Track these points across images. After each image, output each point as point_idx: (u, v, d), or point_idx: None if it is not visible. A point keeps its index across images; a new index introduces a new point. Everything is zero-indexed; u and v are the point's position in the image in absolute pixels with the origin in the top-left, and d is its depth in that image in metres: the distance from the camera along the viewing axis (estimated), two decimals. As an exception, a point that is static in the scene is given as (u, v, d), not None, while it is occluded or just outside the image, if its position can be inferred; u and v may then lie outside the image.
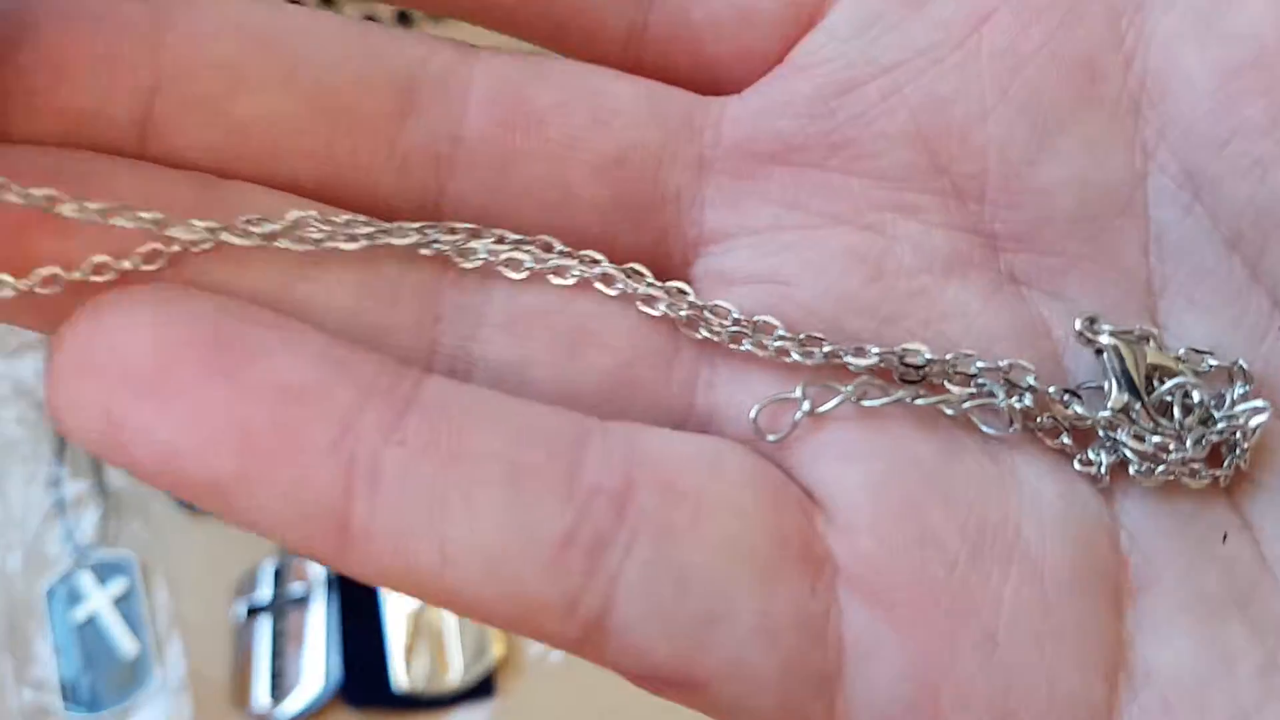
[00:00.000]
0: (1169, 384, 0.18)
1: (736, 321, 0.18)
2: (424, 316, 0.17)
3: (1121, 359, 0.18)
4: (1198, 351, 0.18)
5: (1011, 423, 0.18)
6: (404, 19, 0.51)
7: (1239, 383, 0.18)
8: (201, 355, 0.15)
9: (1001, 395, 0.18)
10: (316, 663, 0.49)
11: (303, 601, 0.50)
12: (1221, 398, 0.18)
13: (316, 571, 0.51)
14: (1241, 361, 0.18)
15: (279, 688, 0.49)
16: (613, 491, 0.15)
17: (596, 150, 0.18)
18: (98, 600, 0.49)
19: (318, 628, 0.50)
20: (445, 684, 0.49)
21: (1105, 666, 0.16)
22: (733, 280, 0.18)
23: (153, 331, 0.15)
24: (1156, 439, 0.18)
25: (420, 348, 0.17)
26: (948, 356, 0.18)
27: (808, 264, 0.18)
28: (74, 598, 0.49)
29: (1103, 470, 0.18)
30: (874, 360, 0.18)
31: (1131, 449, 0.18)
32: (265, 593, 0.50)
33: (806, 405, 0.18)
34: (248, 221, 0.16)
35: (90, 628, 0.49)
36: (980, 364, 0.18)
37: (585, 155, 0.17)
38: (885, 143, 0.18)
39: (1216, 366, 0.18)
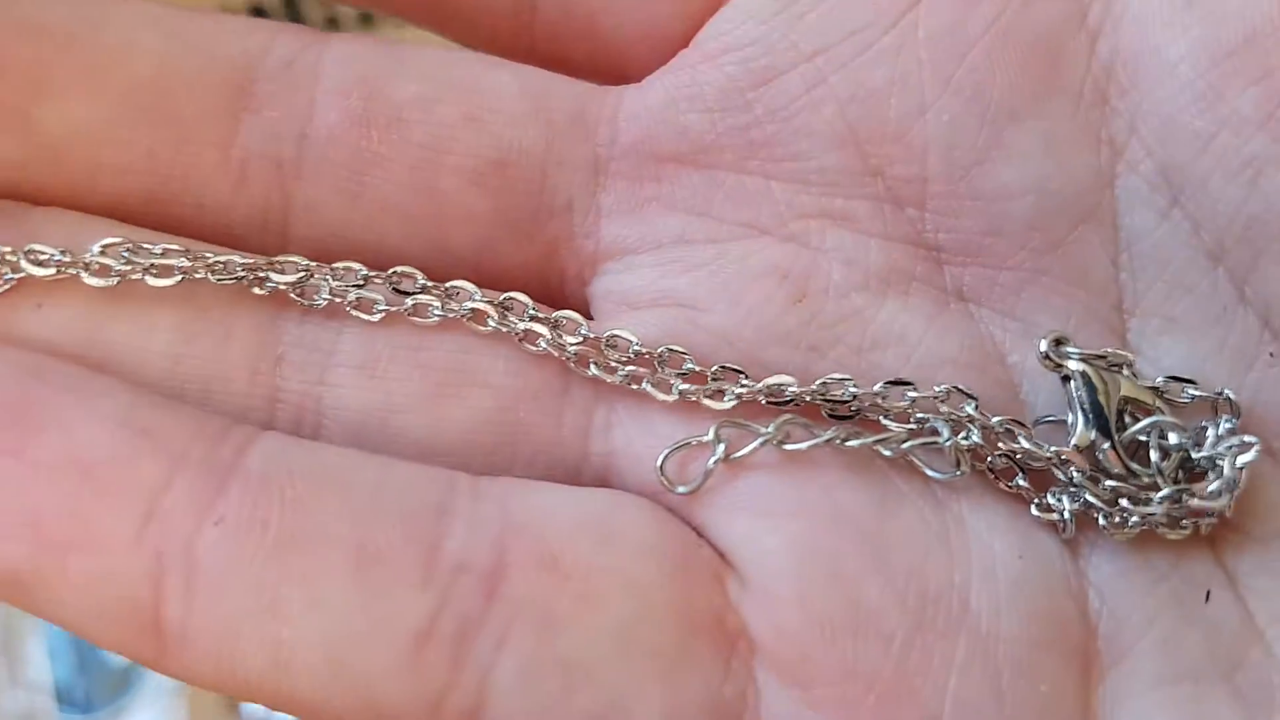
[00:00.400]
0: (1143, 423, 0.15)
1: (638, 354, 0.16)
2: (261, 359, 0.15)
3: (1092, 389, 0.16)
4: (1178, 380, 0.16)
5: (959, 464, 0.16)
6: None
7: (1224, 416, 0.15)
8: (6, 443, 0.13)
9: (946, 432, 0.15)
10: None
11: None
12: (1203, 433, 0.16)
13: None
14: (1228, 392, 0.16)
15: (278, 690, 0.48)
16: (482, 570, 0.14)
17: (471, 153, 0.16)
18: (93, 600, 0.49)
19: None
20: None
21: None
22: (636, 303, 0.16)
23: None
24: (1127, 485, 0.15)
25: (258, 397, 0.15)
26: (875, 388, 0.15)
27: (721, 284, 0.16)
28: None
29: (1065, 516, 0.16)
30: (793, 397, 0.16)
31: (1097, 496, 0.15)
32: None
33: (721, 450, 0.16)
34: (46, 252, 0.15)
35: (84, 629, 0.49)
36: (913, 394, 0.15)
37: (457, 159, 0.16)
38: (810, 141, 0.16)
39: (1199, 397, 0.16)
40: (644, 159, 0.16)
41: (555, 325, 0.16)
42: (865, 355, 0.16)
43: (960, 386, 0.16)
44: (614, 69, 0.17)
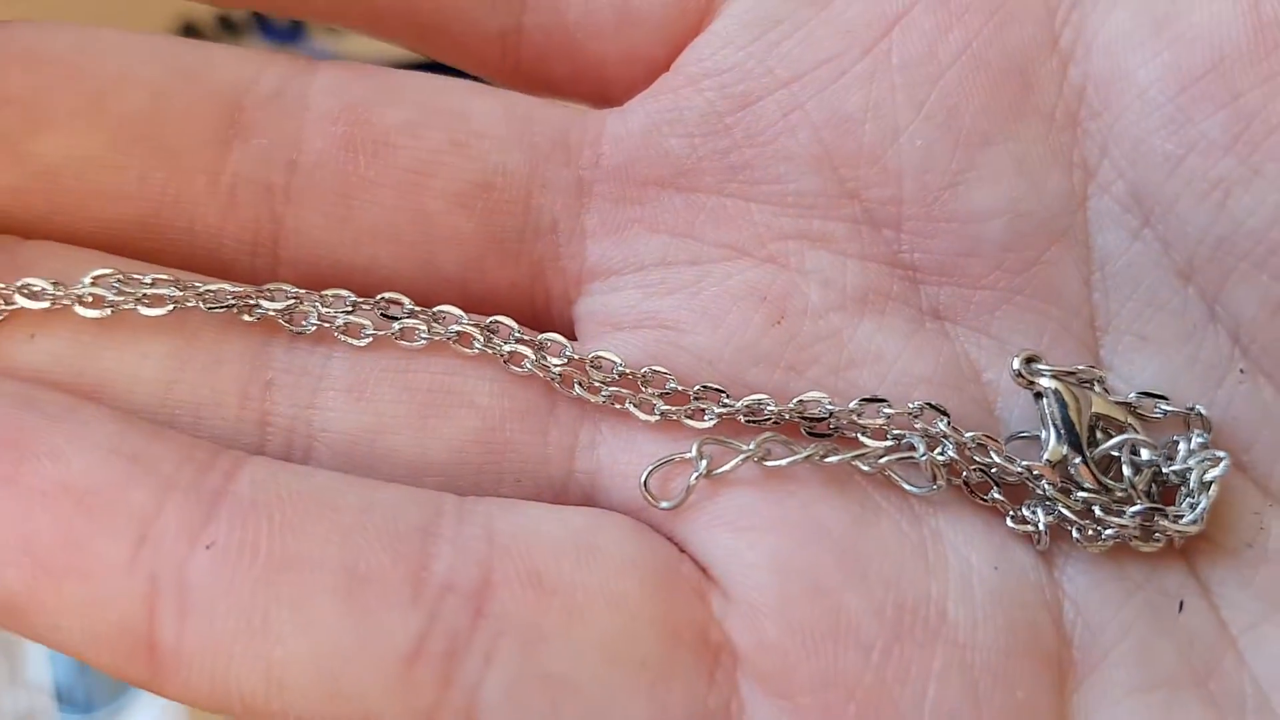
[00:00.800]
0: (1115, 440, 0.16)
1: (621, 375, 0.16)
2: (251, 384, 0.15)
3: (1063, 405, 0.16)
4: (1150, 396, 0.16)
5: (935, 479, 0.16)
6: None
7: (1195, 431, 0.16)
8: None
9: (922, 448, 0.16)
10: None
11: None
12: (1174, 448, 0.16)
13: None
14: (1199, 408, 0.16)
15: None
16: (468, 589, 0.14)
17: (456, 176, 0.16)
18: (92, 600, 0.49)
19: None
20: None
21: None
22: (619, 324, 0.17)
23: None
24: (1098, 499, 0.16)
25: (249, 421, 0.15)
26: (851, 405, 0.16)
27: (702, 307, 0.16)
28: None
29: (1040, 529, 0.16)
30: (772, 415, 0.16)
31: (1070, 509, 0.16)
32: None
33: (703, 466, 0.16)
34: (45, 284, 0.15)
35: (84, 629, 0.49)
36: (888, 410, 0.16)
37: (443, 182, 0.16)
38: (788, 165, 0.16)
39: (1171, 413, 0.16)
40: (627, 182, 0.17)
41: (540, 347, 0.16)
42: (842, 374, 0.16)
43: (932, 403, 0.16)
44: (597, 90, 0.17)
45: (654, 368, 0.16)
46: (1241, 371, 0.16)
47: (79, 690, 0.48)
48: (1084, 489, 0.16)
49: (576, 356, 0.16)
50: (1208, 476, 0.16)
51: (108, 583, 0.14)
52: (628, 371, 0.16)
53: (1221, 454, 0.16)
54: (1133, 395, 0.16)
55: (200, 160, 0.16)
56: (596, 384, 0.16)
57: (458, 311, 0.16)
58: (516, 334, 0.16)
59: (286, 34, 0.59)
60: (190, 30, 0.56)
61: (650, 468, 0.16)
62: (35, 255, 0.16)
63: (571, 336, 0.17)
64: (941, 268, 0.16)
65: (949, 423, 0.16)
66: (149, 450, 0.14)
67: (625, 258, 0.17)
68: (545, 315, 0.17)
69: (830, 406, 0.16)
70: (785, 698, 0.15)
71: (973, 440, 0.16)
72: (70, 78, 0.15)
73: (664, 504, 0.16)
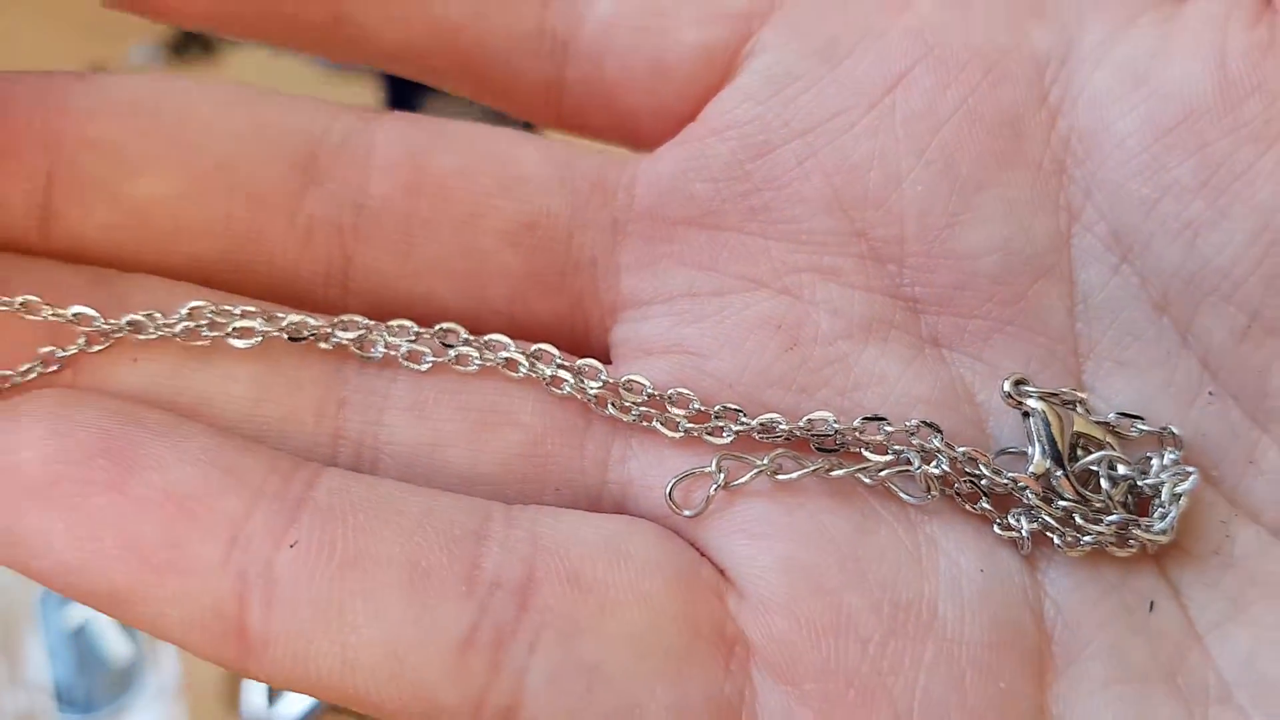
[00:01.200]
0: (1093, 456, 0.18)
1: (650, 397, 0.18)
2: (326, 403, 0.17)
3: (1047, 424, 0.18)
4: (1128, 416, 0.18)
5: (929, 489, 0.18)
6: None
7: (1168, 448, 0.17)
8: (91, 467, 0.15)
9: (917, 461, 0.17)
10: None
11: (298, 603, 0.51)
12: (1148, 463, 0.18)
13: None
14: (1172, 427, 0.18)
15: (273, 691, 0.50)
16: (514, 585, 0.16)
17: (505, 217, 0.18)
18: (91, 603, 0.50)
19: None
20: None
21: None
22: (650, 350, 0.18)
23: (45, 444, 0.15)
24: (1078, 509, 0.17)
25: (325, 435, 0.17)
26: (855, 423, 0.18)
27: (723, 335, 0.18)
28: (67, 601, 0.50)
29: (1024, 535, 0.18)
30: (783, 433, 0.18)
31: (1052, 517, 0.17)
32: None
33: (721, 479, 0.18)
34: (146, 316, 0.17)
35: (83, 631, 0.50)
36: (889, 428, 0.17)
37: (494, 222, 0.18)
38: (802, 207, 0.18)
39: (1147, 431, 0.18)
40: (657, 221, 0.18)
41: (578, 372, 0.18)
42: (849, 395, 0.18)
43: (928, 421, 0.18)
44: (631, 136, 0.19)
45: (679, 390, 0.18)
46: (1210, 394, 0.18)
47: (79, 690, 0.49)
48: (1064, 499, 0.18)
49: (611, 380, 0.18)
50: (1178, 489, 0.18)
51: (204, 577, 0.15)
52: (655, 393, 0.18)
53: (1191, 469, 0.18)
54: (1112, 415, 0.18)
55: (279, 202, 0.17)
56: (628, 404, 0.18)
57: (506, 339, 0.18)
58: (558, 360, 0.18)
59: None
60: (191, 31, 0.58)
61: (674, 479, 0.18)
62: (131, 287, 0.17)
63: (608, 360, 0.19)
64: (939, 299, 0.18)
65: (942, 439, 0.18)
66: (240, 462, 0.16)
67: (655, 290, 0.18)
68: (585, 341, 0.19)
69: (836, 425, 0.18)
70: (792, 684, 0.17)
71: (964, 454, 0.18)
72: (159, 126, 0.17)
73: (686, 512, 0.18)
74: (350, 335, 0.17)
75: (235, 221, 0.17)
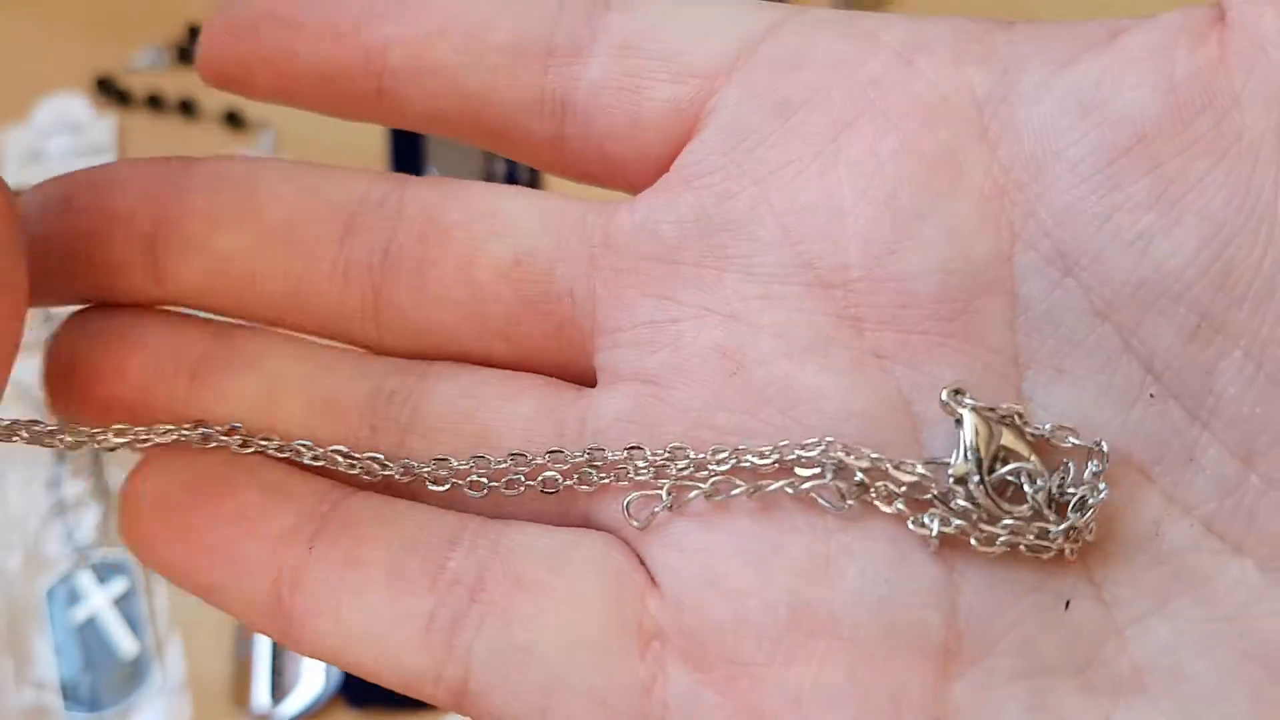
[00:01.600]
0: (1010, 466, 0.19)
1: (606, 462, 0.20)
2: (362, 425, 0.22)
3: (975, 431, 0.19)
4: (1063, 428, 0.19)
5: (844, 498, 0.19)
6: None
7: (1094, 461, 0.19)
8: (205, 505, 0.20)
9: (829, 475, 0.19)
10: (317, 662, 0.50)
11: (303, 601, 0.51)
12: (1068, 472, 0.19)
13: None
14: (1103, 443, 0.18)
15: (279, 687, 0.50)
16: (468, 583, 0.19)
17: (496, 255, 0.21)
18: (98, 600, 0.51)
19: (317, 627, 0.51)
20: (445, 684, 0.50)
21: None
22: (619, 377, 0.20)
23: (181, 490, 0.21)
24: (991, 511, 0.19)
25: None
26: (783, 443, 0.19)
27: (678, 364, 0.20)
28: (74, 598, 0.51)
29: (934, 534, 0.19)
30: (725, 467, 0.20)
31: (966, 520, 0.19)
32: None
33: (667, 500, 0.20)
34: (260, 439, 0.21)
35: (90, 628, 0.51)
36: (799, 452, 0.19)
37: (487, 260, 0.21)
38: (755, 245, 0.20)
39: (1077, 445, 0.19)
40: (626, 257, 0.20)
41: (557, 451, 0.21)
42: (788, 413, 0.19)
43: (831, 439, 0.19)
44: (621, 181, 0.21)
45: (634, 446, 0.20)
46: (1152, 395, 0.18)
47: (86, 688, 0.49)
48: (978, 503, 0.19)
49: (579, 458, 0.20)
50: (1090, 501, 0.18)
51: (258, 569, 0.20)
52: (611, 459, 0.20)
53: (1103, 486, 0.18)
54: (1047, 427, 0.19)
55: (325, 252, 0.21)
56: (599, 463, 0.20)
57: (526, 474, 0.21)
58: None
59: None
60: (196, 32, 0.58)
61: (630, 498, 0.20)
62: (239, 342, 0.22)
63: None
64: (882, 318, 0.19)
65: (848, 451, 0.19)
66: (296, 488, 0.20)
67: (621, 319, 0.20)
68: (574, 364, 0.21)
69: (753, 457, 0.19)
70: (699, 671, 0.19)
71: (876, 462, 0.19)
72: (235, 193, 0.21)
73: (635, 523, 0.20)
74: (425, 468, 0.21)
75: (291, 268, 0.21)
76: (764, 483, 0.19)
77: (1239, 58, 0.18)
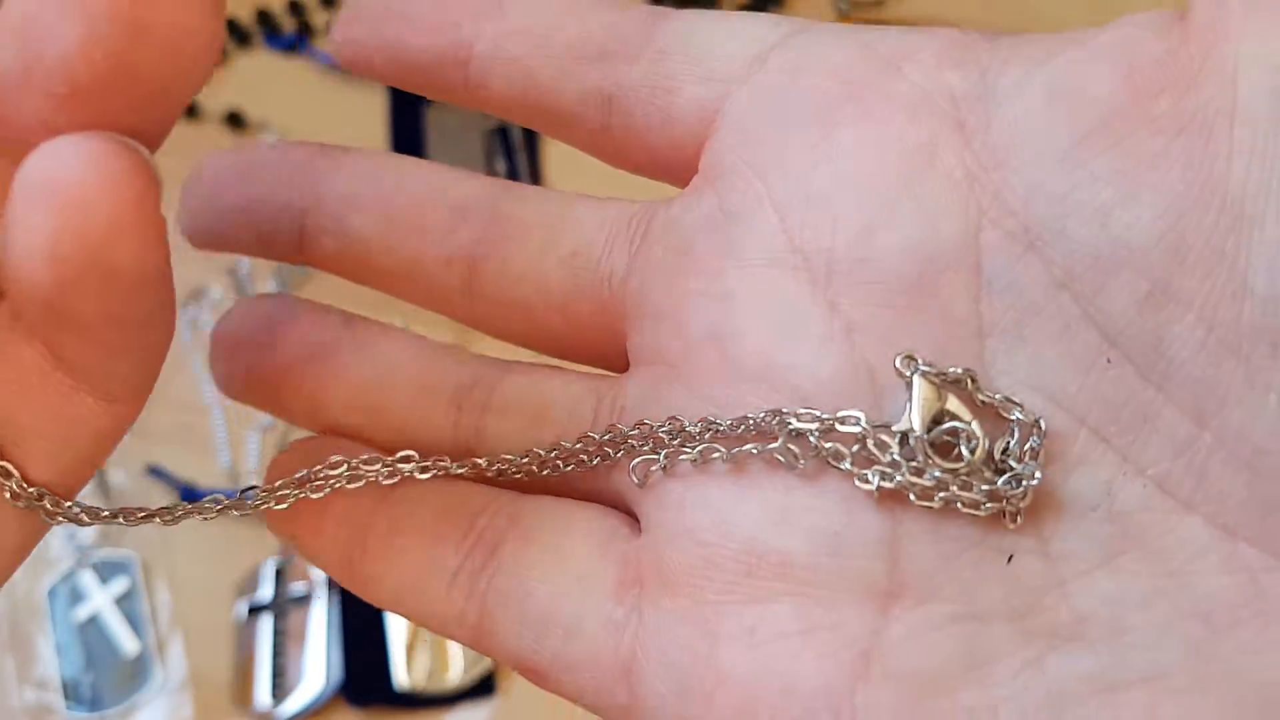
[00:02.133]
0: (945, 426, 0.20)
1: (620, 436, 0.23)
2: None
3: (922, 394, 0.20)
4: (1010, 401, 0.20)
5: (798, 458, 0.21)
6: None
7: (1033, 435, 0.20)
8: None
9: (781, 439, 0.21)
10: (318, 662, 0.51)
11: (304, 601, 0.52)
12: (1013, 434, 0.20)
13: (317, 572, 0.52)
14: (1041, 420, 0.20)
15: (280, 687, 0.51)
16: (489, 543, 0.23)
17: (560, 246, 0.24)
18: (99, 599, 0.51)
19: (319, 627, 0.51)
20: (446, 683, 0.50)
21: (854, 662, 0.20)
22: (639, 360, 0.23)
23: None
24: (931, 468, 0.20)
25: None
26: (746, 416, 0.21)
27: (684, 347, 0.22)
28: (76, 597, 0.51)
29: (874, 488, 0.20)
30: (708, 436, 0.22)
31: (906, 477, 0.20)
32: (266, 592, 0.52)
33: (662, 461, 0.22)
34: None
35: (92, 627, 0.51)
36: (758, 413, 0.21)
37: (554, 250, 0.24)
38: (754, 235, 0.22)
39: (1021, 420, 0.20)
40: (656, 250, 0.23)
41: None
42: (767, 386, 0.21)
43: (784, 409, 0.21)
44: (661, 169, 0.24)
45: (648, 421, 0.22)
46: (1109, 361, 0.19)
47: (87, 687, 0.50)
48: (915, 462, 0.20)
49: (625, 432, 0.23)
50: (1023, 481, 0.19)
51: (335, 541, 0.24)
52: (641, 426, 0.22)
53: (1035, 466, 0.19)
54: (998, 396, 0.20)
55: (435, 238, 0.24)
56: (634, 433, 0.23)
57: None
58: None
59: (290, 42, 0.62)
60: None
61: (636, 461, 0.22)
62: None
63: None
64: (854, 295, 0.21)
65: (796, 415, 0.20)
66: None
67: (645, 305, 0.23)
68: (615, 343, 0.24)
69: (730, 429, 0.21)
70: (668, 602, 0.21)
71: (825, 421, 0.20)
72: (369, 183, 0.24)
73: (635, 481, 0.22)
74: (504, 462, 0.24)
75: (407, 248, 0.24)
76: (738, 448, 0.21)
77: (1198, 44, 0.19)
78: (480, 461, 0.23)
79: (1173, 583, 0.18)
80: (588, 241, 0.24)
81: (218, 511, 0.22)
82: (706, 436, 0.21)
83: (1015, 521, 0.19)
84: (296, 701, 0.50)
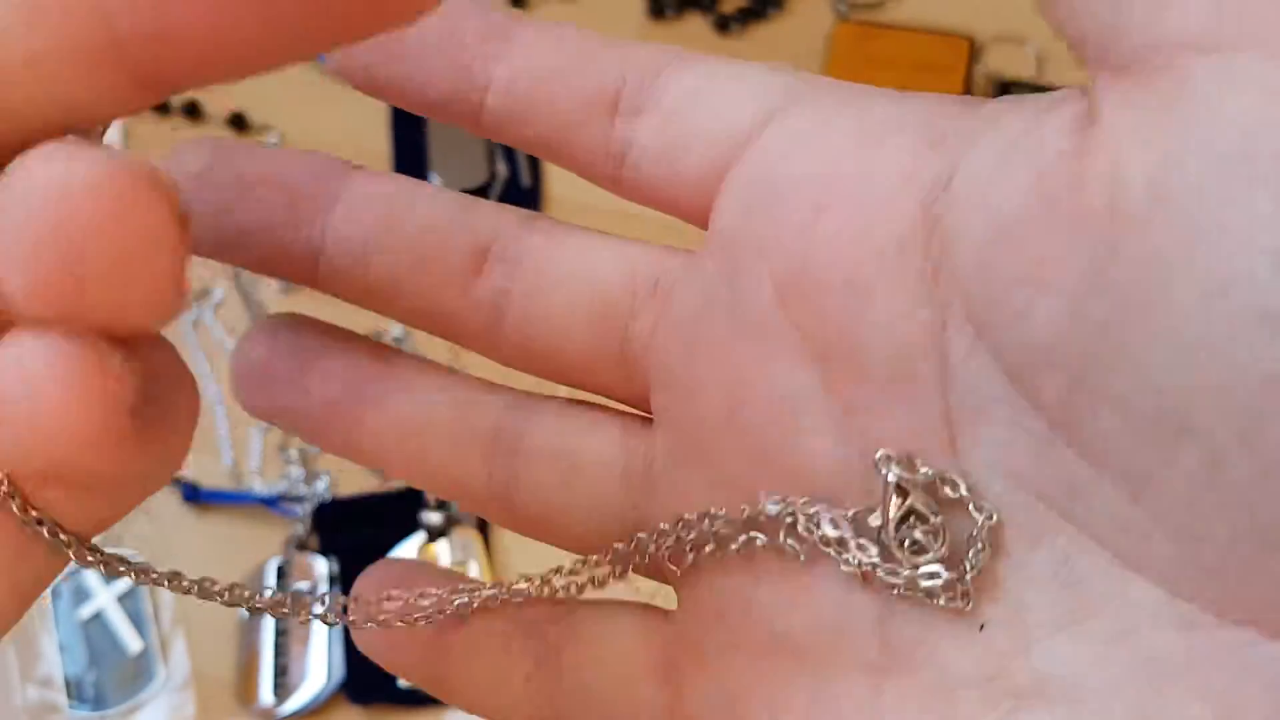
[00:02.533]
0: (906, 527, 0.21)
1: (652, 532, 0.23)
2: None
3: (891, 495, 0.21)
4: (979, 505, 0.21)
5: (800, 554, 0.22)
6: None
7: (986, 529, 0.21)
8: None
9: (782, 534, 0.22)
10: (320, 659, 0.51)
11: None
12: (965, 530, 0.21)
13: (320, 569, 0.53)
14: (994, 515, 0.21)
15: (283, 685, 0.51)
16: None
17: (587, 303, 0.25)
18: (103, 598, 0.51)
19: (321, 625, 0.51)
20: (447, 682, 0.50)
21: None
22: (661, 422, 0.24)
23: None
24: (890, 560, 0.21)
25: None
26: (745, 506, 0.22)
27: (699, 425, 0.23)
28: (79, 595, 0.51)
29: (860, 569, 0.21)
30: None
31: (873, 562, 0.21)
32: (269, 590, 0.52)
33: (690, 557, 0.23)
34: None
35: (95, 625, 0.51)
36: (765, 507, 0.22)
37: (582, 308, 0.25)
38: (754, 310, 0.23)
39: (978, 507, 0.21)
40: (665, 313, 0.24)
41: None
42: (777, 465, 0.22)
43: (779, 498, 0.22)
44: (676, 212, 0.24)
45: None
46: (1056, 444, 0.20)
47: (91, 685, 0.50)
48: (876, 554, 0.21)
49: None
50: (967, 569, 0.21)
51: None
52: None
53: (976, 555, 0.21)
54: (964, 492, 0.21)
55: (459, 280, 0.24)
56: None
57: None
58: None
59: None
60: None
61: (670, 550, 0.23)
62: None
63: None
64: (848, 386, 0.22)
65: (787, 502, 0.22)
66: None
67: (662, 371, 0.24)
68: (642, 392, 0.24)
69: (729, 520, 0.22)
70: (703, 678, 0.22)
71: (809, 515, 0.22)
72: (396, 224, 0.24)
73: (674, 569, 0.23)
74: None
75: (431, 289, 0.25)
76: (745, 534, 0.23)
77: (1087, 140, 0.20)
78: (547, 586, 0.24)
79: (1124, 641, 0.20)
80: (614, 301, 0.24)
81: (314, 618, 0.23)
82: (719, 528, 0.22)
83: (967, 604, 0.21)
84: (299, 699, 0.51)
